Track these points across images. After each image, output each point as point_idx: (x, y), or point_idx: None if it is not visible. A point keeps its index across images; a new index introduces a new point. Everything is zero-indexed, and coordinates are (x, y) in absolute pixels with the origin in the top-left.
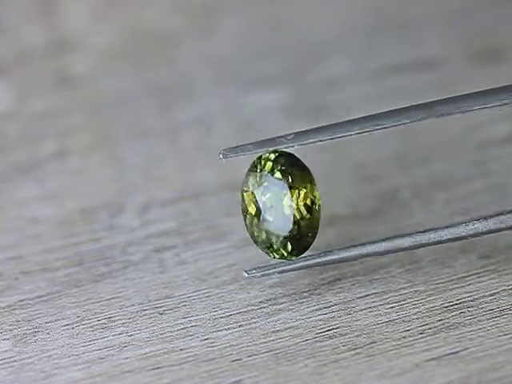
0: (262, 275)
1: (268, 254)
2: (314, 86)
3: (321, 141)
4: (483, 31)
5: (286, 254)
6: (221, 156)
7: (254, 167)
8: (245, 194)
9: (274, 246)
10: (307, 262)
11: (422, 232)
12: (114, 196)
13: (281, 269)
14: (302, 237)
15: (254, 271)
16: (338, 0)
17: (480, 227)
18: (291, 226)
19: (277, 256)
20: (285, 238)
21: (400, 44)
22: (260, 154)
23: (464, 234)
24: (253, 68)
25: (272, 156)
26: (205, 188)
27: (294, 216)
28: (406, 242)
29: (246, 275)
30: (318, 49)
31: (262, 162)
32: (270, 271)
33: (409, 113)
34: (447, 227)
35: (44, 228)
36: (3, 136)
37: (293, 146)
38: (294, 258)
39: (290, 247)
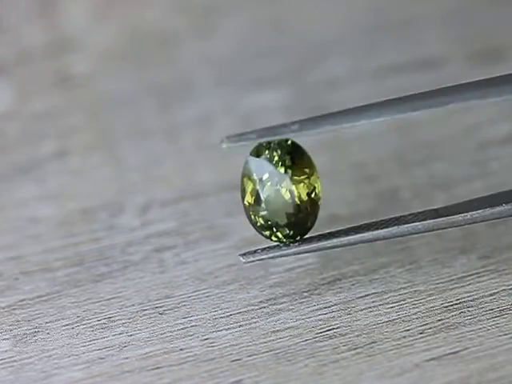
0: (258, 259)
1: (266, 237)
2: (313, 86)
3: (324, 131)
4: (483, 31)
5: (283, 238)
6: (224, 145)
7: (254, 152)
8: (244, 178)
9: (272, 229)
10: (304, 247)
11: (419, 218)
12: (114, 196)
13: (278, 253)
14: (300, 222)
15: (250, 257)
16: (337, 0)
17: (476, 215)
18: (290, 210)
19: (274, 239)
20: (283, 222)
21: (400, 44)
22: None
23: (461, 222)
24: (253, 68)
25: (273, 142)
26: (205, 188)
27: (294, 201)
28: (404, 228)
29: (242, 259)
30: (318, 49)
31: (263, 148)
32: (266, 256)
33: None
34: (446, 216)
35: (44, 228)
36: (3, 136)
37: (295, 136)
38: (291, 241)
39: (287, 231)
